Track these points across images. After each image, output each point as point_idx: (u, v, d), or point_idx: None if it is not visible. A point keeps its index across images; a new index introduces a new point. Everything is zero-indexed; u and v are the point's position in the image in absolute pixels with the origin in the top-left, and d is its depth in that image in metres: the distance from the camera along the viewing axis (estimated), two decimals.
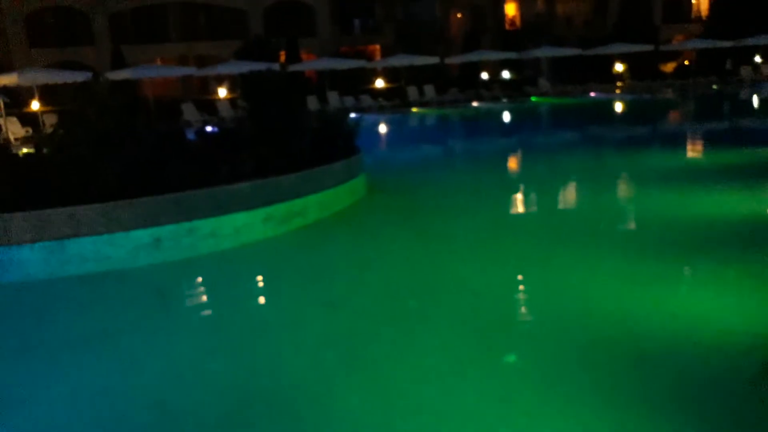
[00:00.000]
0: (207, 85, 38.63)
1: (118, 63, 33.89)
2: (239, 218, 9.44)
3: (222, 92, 33.37)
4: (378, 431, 4.54)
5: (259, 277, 8.50)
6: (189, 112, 29.49)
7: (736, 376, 5.00)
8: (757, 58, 40.08)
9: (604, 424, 4.40)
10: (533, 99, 36.91)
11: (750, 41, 37.77)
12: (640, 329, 5.87)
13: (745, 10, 39.32)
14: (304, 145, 11.27)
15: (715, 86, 38.04)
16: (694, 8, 49.54)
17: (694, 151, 18.55)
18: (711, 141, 19.97)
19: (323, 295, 7.47)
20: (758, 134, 20.25)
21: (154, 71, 32.85)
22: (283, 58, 35.87)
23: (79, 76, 26.30)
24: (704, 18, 46.63)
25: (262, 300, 7.89)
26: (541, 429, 4.41)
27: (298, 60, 36.15)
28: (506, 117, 31.06)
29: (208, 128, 15.73)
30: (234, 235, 9.39)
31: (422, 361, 5.53)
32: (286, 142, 11.05)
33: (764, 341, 5.53)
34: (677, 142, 20.14)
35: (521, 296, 7.19)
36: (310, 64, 36.31)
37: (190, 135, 14.05)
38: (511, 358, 5.65)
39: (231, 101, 30.98)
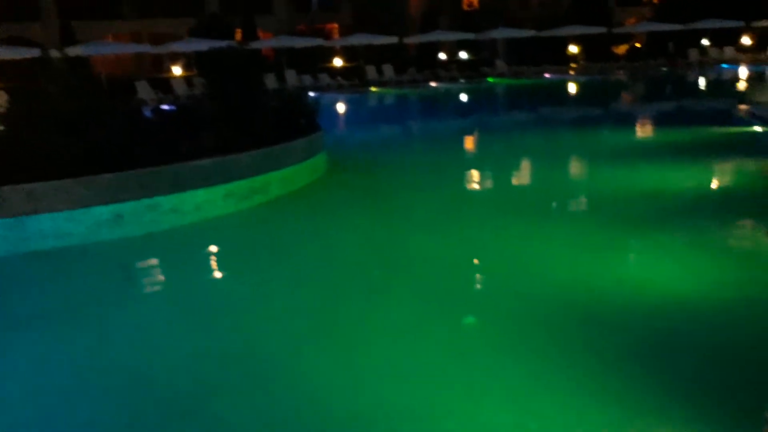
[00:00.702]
0: (161, 64, 37.81)
1: (68, 39, 32.88)
2: (200, 194, 9.47)
3: (177, 71, 32.76)
4: (348, 388, 4.76)
5: (221, 251, 8.57)
6: (143, 90, 28.94)
7: (678, 334, 5.37)
8: (705, 41, 41.30)
9: (558, 376, 4.71)
10: (490, 80, 37.35)
11: (698, 25, 38.94)
12: (592, 293, 6.21)
13: None
14: (264, 122, 11.30)
15: (664, 68, 39.13)
16: None
17: (642, 129, 19.22)
18: (658, 120, 20.73)
19: (286, 267, 7.61)
20: (701, 114, 21.04)
21: (109, 48, 32.08)
22: (239, 36, 35.37)
23: (28, 53, 25.52)
24: (655, 2, 47.74)
25: (224, 273, 7.98)
26: (499, 383, 4.69)
27: (255, 38, 35.71)
28: (464, 97, 31.41)
29: (165, 107, 15.60)
30: (195, 212, 9.43)
31: (387, 326, 5.75)
32: (245, 119, 11.06)
33: (705, 303, 5.94)
34: (627, 121, 20.83)
35: (481, 265, 7.47)
36: (268, 42, 35.92)
37: (147, 113, 13.92)
38: (471, 320, 5.93)
39: (186, 79, 30.49)
